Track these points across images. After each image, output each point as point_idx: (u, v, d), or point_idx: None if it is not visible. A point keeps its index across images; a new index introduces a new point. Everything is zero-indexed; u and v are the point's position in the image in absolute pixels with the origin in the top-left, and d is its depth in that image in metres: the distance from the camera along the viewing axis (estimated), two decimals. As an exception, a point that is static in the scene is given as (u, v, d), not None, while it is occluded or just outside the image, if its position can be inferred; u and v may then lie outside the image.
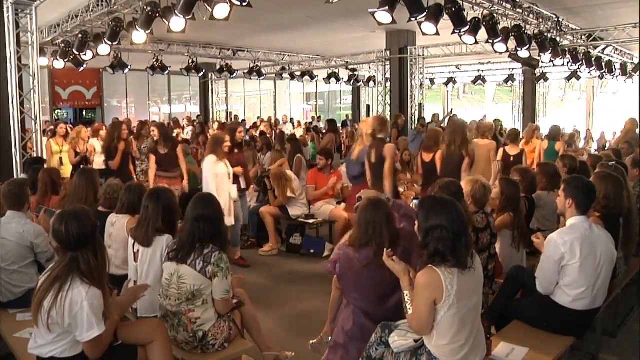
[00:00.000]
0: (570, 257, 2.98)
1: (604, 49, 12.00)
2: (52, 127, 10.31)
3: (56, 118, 16.18)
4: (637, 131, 8.32)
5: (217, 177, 5.33)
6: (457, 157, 5.28)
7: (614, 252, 3.11)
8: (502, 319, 3.34)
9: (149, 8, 6.84)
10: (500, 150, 6.83)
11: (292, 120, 18.41)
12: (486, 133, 6.78)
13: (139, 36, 7.53)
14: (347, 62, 16.11)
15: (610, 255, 3.09)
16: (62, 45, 10.10)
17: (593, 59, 11.60)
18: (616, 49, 12.73)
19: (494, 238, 3.69)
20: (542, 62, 11.27)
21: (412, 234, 2.83)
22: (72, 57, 10.09)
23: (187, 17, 6.23)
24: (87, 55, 9.57)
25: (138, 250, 3.23)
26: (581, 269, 2.98)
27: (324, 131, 13.88)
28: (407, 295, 2.48)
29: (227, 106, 20.34)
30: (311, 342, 3.49)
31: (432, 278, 2.33)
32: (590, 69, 11.95)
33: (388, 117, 13.27)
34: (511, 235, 3.88)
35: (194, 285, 2.85)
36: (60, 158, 7.43)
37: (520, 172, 4.64)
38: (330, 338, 3.19)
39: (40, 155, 7.23)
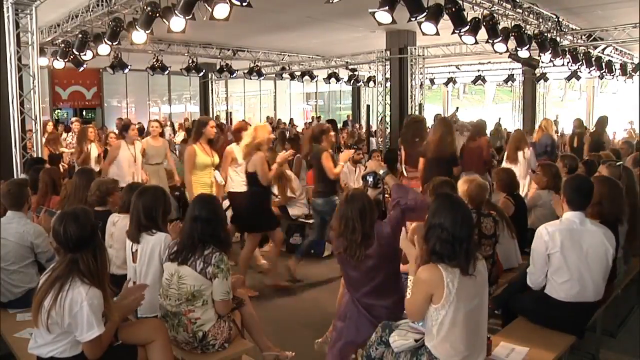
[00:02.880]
0: (552, 246, 3.06)
1: (604, 49, 11.98)
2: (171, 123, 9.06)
3: (56, 118, 16.18)
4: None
5: None
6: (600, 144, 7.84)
7: (607, 248, 3.10)
8: (509, 312, 3.38)
9: (149, 8, 6.83)
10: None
11: (171, 123, 16.50)
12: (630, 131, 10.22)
13: (139, 36, 7.52)
14: (347, 62, 16.09)
15: (601, 250, 3.09)
16: (62, 45, 10.08)
17: (593, 59, 11.58)
18: (616, 49, 12.71)
19: (497, 243, 3.70)
20: (542, 62, 11.25)
21: (393, 232, 2.90)
22: (72, 57, 10.06)
23: (187, 17, 6.22)
24: (87, 55, 9.55)
25: (136, 251, 3.23)
26: (562, 258, 3.04)
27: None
28: (410, 281, 2.55)
29: (227, 106, 20.32)
30: (317, 341, 3.50)
31: (433, 275, 2.35)
32: (590, 69, 11.93)
33: (388, 118, 13.30)
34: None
35: (194, 286, 2.86)
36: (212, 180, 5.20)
37: (497, 172, 4.70)
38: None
39: (40, 155, 7.22)
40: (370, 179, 3.43)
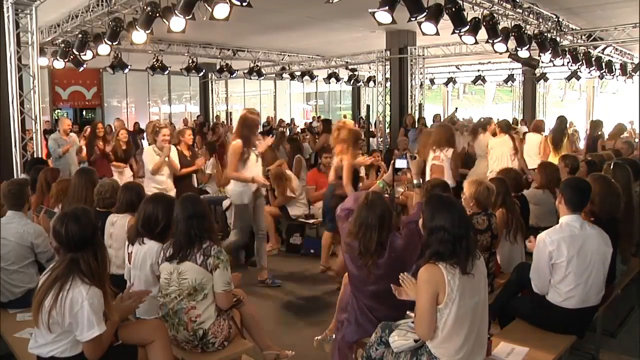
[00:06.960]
0: (558, 256, 3.00)
1: (604, 49, 11.98)
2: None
3: (56, 118, 16.19)
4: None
5: None
6: None
7: (606, 251, 3.10)
8: (506, 316, 3.36)
9: (149, 8, 6.83)
10: None
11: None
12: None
13: (139, 36, 7.52)
14: (347, 62, 16.09)
15: (602, 253, 3.08)
16: (62, 45, 10.08)
17: (593, 59, 11.58)
18: (616, 49, 12.71)
19: (495, 239, 3.69)
20: (542, 62, 11.25)
21: (405, 246, 2.86)
22: (72, 57, 10.06)
23: (187, 17, 6.22)
24: (87, 55, 9.55)
25: (131, 252, 3.24)
26: (569, 267, 2.99)
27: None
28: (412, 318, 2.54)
29: (227, 106, 20.34)
30: (316, 338, 3.51)
31: (434, 274, 2.36)
32: (590, 69, 11.93)
33: (388, 117, 13.30)
34: (506, 231, 3.89)
35: (196, 280, 2.88)
36: None
37: (502, 172, 4.69)
38: (334, 336, 3.24)
39: (40, 155, 7.22)
40: (400, 161, 3.53)
